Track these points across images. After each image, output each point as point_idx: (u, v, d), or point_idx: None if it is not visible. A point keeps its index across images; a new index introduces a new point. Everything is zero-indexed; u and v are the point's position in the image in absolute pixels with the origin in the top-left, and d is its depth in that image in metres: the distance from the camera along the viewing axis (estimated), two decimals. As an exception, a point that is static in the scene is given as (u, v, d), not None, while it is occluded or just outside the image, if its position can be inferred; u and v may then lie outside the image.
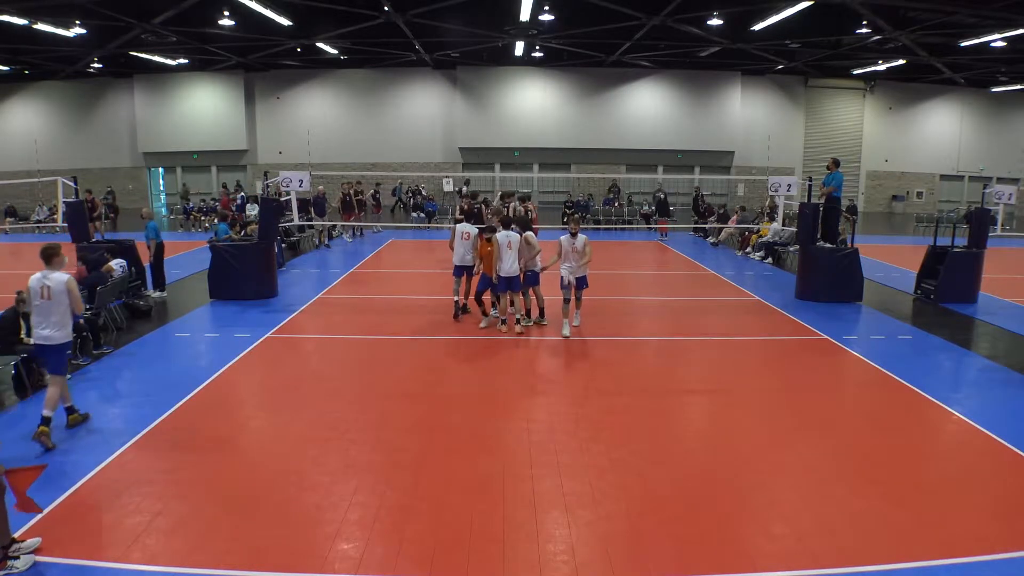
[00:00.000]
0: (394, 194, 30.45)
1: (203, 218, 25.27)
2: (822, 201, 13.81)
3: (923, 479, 6.13)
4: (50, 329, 6.75)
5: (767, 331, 11.25)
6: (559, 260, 10.37)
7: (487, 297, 11.09)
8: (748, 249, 19.29)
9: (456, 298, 11.46)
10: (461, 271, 11.37)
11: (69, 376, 7.43)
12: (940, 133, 33.83)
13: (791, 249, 16.97)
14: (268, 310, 12.05)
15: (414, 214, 26.56)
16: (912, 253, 16.94)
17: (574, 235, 10.27)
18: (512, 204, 14.29)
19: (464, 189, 28.07)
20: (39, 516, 5.08)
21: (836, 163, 14.33)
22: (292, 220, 16.15)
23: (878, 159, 34.02)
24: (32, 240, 21.88)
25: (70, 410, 7.05)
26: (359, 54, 29.44)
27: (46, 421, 6.60)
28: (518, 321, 10.80)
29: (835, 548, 4.97)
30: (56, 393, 6.76)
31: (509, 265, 10.27)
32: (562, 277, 10.41)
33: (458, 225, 11.61)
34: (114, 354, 9.50)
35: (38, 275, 6.78)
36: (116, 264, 11.52)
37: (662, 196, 23.54)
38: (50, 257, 6.86)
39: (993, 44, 22.56)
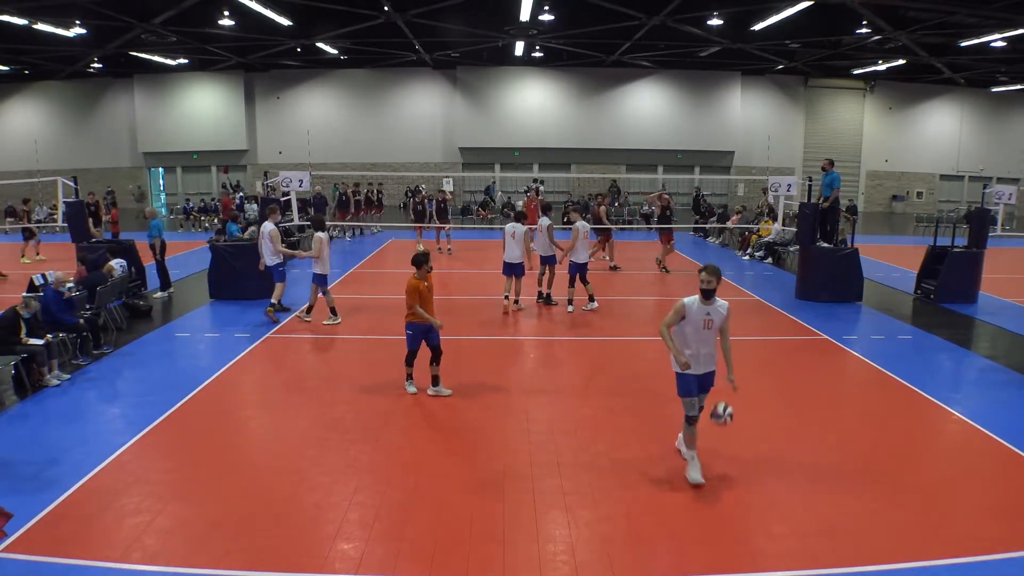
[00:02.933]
0: (487, 193, 30.18)
1: (203, 218, 25.27)
2: (825, 205, 13.77)
3: (923, 479, 6.13)
4: (266, 257, 11.38)
5: (767, 331, 11.25)
6: (673, 337, 6.01)
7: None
8: (748, 249, 19.28)
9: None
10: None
11: (68, 377, 8.23)
12: (940, 133, 33.83)
13: (791, 249, 16.97)
14: (268, 310, 12.04)
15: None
16: (912, 253, 16.93)
17: (708, 296, 5.95)
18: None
19: (540, 188, 28.33)
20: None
21: (831, 163, 14.33)
22: (292, 220, 16.15)
23: (878, 159, 34.01)
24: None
25: (275, 305, 11.36)
26: (359, 54, 29.43)
27: (273, 305, 11.32)
28: (516, 301, 12.00)
29: (835, 548, 4.97)
30: (280, 291, 11.47)
31: (511, 253, 11.81)
32: (684, 379, 5.97)
33: (578, 224, 11.83)
34: (114, 354, 9.50)
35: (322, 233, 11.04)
36: (116, 264, 11.52)
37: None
38: (268, 214, 11.74)
39: (993, 44, 22.56)
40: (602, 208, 17.17)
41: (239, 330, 10.75)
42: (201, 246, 19.15)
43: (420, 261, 7.87)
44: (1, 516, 4.38)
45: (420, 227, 19.61)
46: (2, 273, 15.75)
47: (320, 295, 11.27)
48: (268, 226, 11.48)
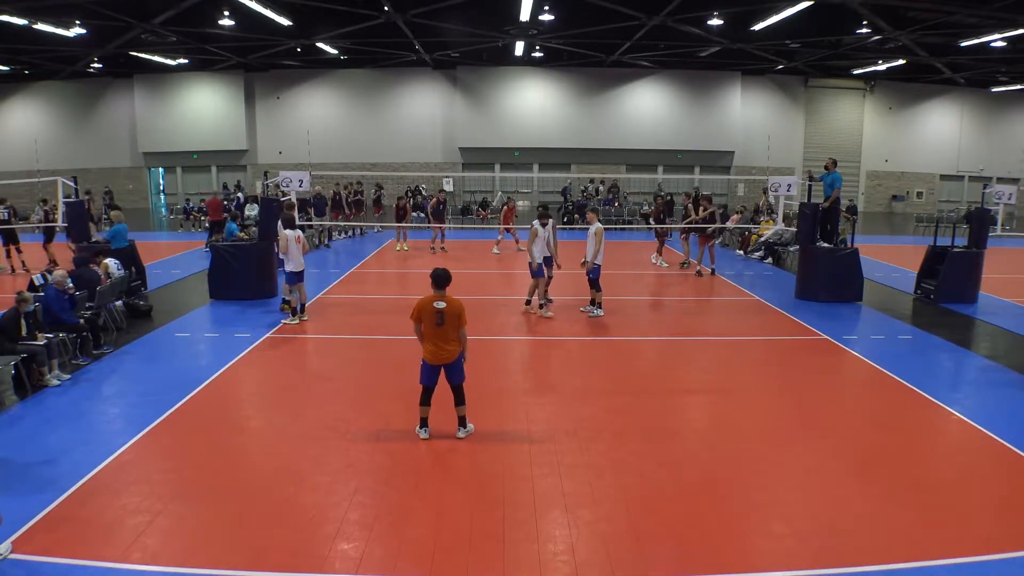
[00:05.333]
0: (564, 193, 30.06)
1: (203, 218, 25.24)
2: (826, 205, 13.80)
3: (923, 479, 6.13)
4: (291, 262, 10.81)
5: (767, 331, 11.25)
6: None
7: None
8: (748, 249, 19.31)
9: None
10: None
11: (68, 377, 8.31)
12: (940, 133, 33.83)
13: (791, 249, 16.97)
14: (268, 310, 12.05)
15: (414, 214, 26.55)
16: (912, 253, 16.94)
17: None
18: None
19: (600, 188, 28.14)
20: None
21: (835, 163, 14.46)
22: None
23: (878, 159, 34.02)
24: (32, 240, 21.84)
25: (287, 302, 11.49)
26: (359, 54, 29.43)
27: (287, 303, 11.46)
28: (541, 306, 11.72)
29: (835, 548, 4.96)
30: (302, 294, 11.38)
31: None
32: None
33: (593, 227, 11.38)
34: (114, 354, 9.49)
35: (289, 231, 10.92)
36: (112, 262, 11.52)
37: (668, 196, 23.61)
38: (290, 220, 11.31)
39: (993, 44, 22.56)
40: (709, 210, 16.54)
41: (239, 330, 10.75)
42: (201, 246, 19.18)
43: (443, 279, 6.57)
44: None
45: (403, 227, 19.58)
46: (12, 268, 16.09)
47: (293, 292, 11.24)
48: (294, 232, 11.29)
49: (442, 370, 6.64)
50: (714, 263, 16.22)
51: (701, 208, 16.50)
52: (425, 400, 6.74)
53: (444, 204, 19.74)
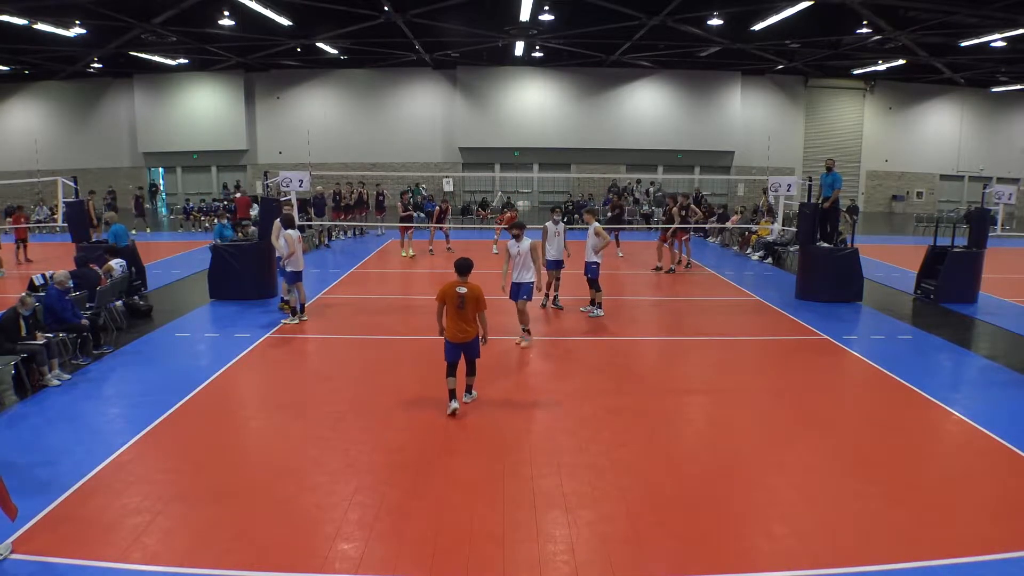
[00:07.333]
0: (625, 191, 30.00)
1: (203, 218, 25.27)
2: (826, 205, 13.84)
3: (923, 479, 6.13)
4: (289, 265, 10.83)
5: (767, 331, 11.25)
6: None
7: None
8: (748, 249, 19.31)
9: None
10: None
11: (68, 377, 8.20)
12: (940, 133, 33.83)
13: (791, 249, 16.98)
14: (268, 310, 12.05)
15: (414, 214, 26.54)
16: (912, 253, 16.93)
17: None
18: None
19: (649, 190, 28.21)
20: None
21: (834, 163, 14.56)
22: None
23: (878, 159, 34.02)
24: (31, 240, 21.84)
25: (285, 302, 11.58)
26: (359, 54, 29.44)
27: (286, 303, 11.53)
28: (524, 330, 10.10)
29: (835, 548, 4.97)
30: (284, 287, 11.54)
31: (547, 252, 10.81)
32: None
33: (592, 227, 11.43)
34: (114, 354, 9.50)
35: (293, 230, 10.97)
36: (116, 263, 11.53)
37: (661, 195, 23.65)
38: (290, 220, 11.36)
39: (993, 44, 22.57)
40: (675, 208, 17.11)
41: (239, 330, 10.75)
42: (201, 246, 19.19)
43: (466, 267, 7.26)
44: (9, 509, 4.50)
45: (407, 227, 19.47)
46: None
47: (292, 292, 11.20)
48: (295, 232, 11.24)
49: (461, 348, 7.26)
50: (673, 262, 16.52)
51: (668, 208, 16.81)
52: (451, 372, 7.34)
53: (446, 213, 19.75)
